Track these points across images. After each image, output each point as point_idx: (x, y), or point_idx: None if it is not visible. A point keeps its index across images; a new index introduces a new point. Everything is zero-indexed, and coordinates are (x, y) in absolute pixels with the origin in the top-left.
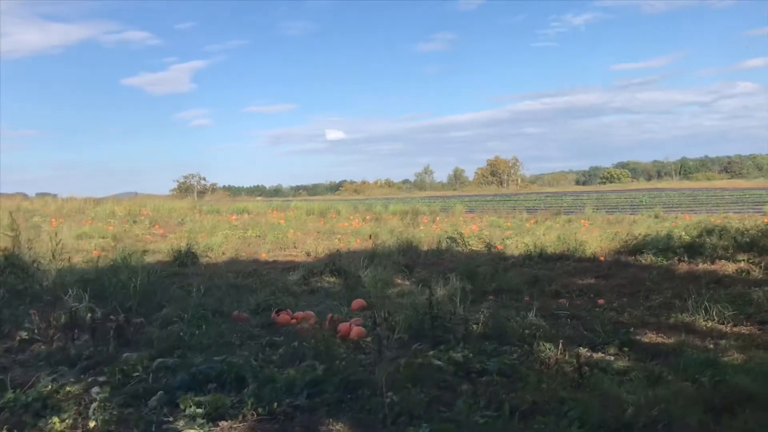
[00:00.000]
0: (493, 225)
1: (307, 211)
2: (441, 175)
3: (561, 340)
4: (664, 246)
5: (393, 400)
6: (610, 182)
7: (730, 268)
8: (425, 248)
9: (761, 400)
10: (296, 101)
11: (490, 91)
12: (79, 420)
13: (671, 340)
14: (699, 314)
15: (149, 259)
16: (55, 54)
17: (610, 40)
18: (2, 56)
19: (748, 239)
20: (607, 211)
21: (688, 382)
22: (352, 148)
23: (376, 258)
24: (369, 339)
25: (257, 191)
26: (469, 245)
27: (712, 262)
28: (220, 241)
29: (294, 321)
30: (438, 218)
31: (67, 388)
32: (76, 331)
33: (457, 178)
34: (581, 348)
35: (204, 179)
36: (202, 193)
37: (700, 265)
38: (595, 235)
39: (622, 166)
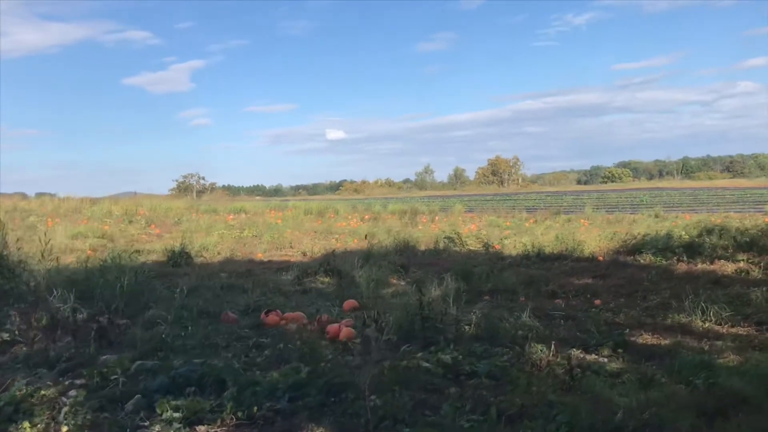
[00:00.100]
0: (492, 225)
1: (305, 210)
2: (442, 175)
3: (553, 342)
4: (664, 246)
5: (376, 404)
6: (612, 182)
7: (729, 268)
8: (423, 248)
9: (756, 403)
10: (296, 101)
11: (490, 90)
12: (52, 425)
13: (667, 342)
14: (696, 315)
15: (144, 259)
16: (55, 54)
17: (610, 40)
18: (3, 56)
19: (747, 239)
20: (607, 211)
21: (681, 385)
22: (353, 147)
23: (372, 258)
24: (358, 340)
25: (257, 191)
26: (467, 245)
27: (712, 262)
28: (216, 240)
29: (284, 322)
30: (437, 218)
31: (42, 392)
32: (58, 332)
33: (457, 177)
34: (574, 349)
35: (203, 179)
36: (201, 192)
37: (699, 265)
38: (594, 235)
39: (624, 165)
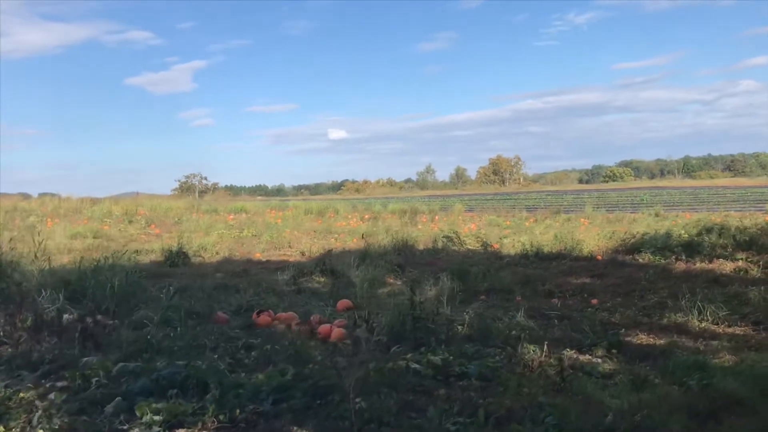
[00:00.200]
0: (492, 224)
1: (305, 210)
2: (443, 174)
3: (546, 342)
4: (663, 245)
5: (362, 407)
6: (613, 181)
7: (728, 266)
8: (421, 247)
9: (750, 404)
10: (298, 101)
11: (492, 90)
12: (28, 428)
13: (662, 342)
14: (692, 314)
15: (142, 258)
16: (57, 54)
17: (612, 39)
18: (4, 56)
19: (747, 237)
20: (607, 210)
21: (675, 386)
22: (354, 147)
23: (369, 257)
24: (350, 341)
25: (259, 191)
26: (466, 244)
27: (710, 261)
28: (215, 240)
29: (276, 322)
30: (437, 217)
31: (21, 394)
32: (44, 333)
33: (459, 177)
34: (568, 350)
35: (205, 179)
36: (203, 192)
37: (698, 264)
38: (593, 234)
39: (626, 164)
